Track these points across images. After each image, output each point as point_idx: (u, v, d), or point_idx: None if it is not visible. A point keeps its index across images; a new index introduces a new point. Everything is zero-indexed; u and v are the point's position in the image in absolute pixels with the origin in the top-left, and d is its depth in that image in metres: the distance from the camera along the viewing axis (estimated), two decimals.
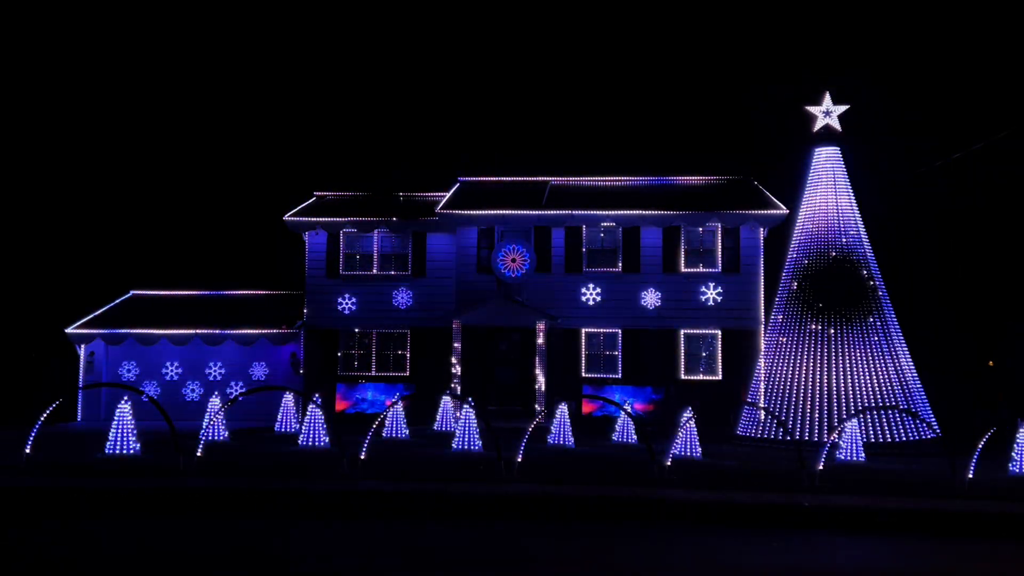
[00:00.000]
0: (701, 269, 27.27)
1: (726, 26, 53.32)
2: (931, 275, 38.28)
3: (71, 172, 46.73)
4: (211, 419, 19.21)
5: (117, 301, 29.94)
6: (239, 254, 42.25)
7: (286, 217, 28.38)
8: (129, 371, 28.77)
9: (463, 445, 18.89)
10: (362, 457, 15.34)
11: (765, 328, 25.26)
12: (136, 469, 15.29)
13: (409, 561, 10.32)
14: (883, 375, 21.86)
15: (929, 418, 22.00)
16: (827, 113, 23.53)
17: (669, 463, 15.61)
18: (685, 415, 18.27)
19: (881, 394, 21.65)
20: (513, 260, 27.19)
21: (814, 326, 22.43)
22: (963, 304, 38.09)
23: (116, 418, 17.46)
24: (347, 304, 28.28)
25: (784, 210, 26.58)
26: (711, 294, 27.03)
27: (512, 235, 27.48)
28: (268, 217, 37.63)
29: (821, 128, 23.58)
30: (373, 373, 28.23)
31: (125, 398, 17.65)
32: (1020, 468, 16.79)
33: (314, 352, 28.25)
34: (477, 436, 18.99)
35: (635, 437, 21.53)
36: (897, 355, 22.29)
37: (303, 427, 20.02)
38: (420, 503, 13.24)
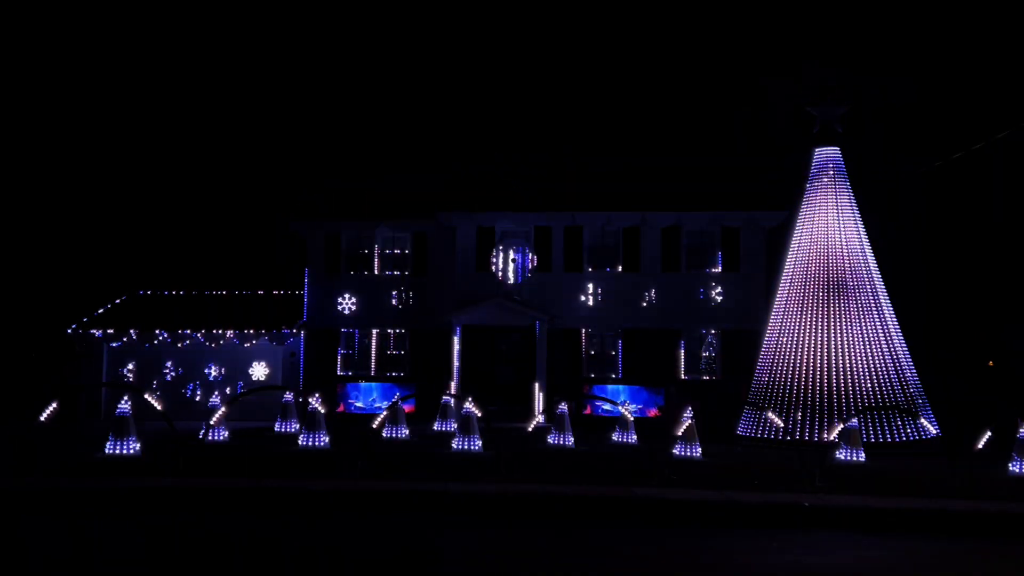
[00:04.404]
0: (701, 269, 27.26)
1: (726, 25, 53.30)
2: (931, 274, 38.26)
3: (72, 173, 46.72)
4: (211, 419, 19.21)
5: (118, 301, 29.94)
6: (239, 254, 42.22)
7: (286, 217, 28.39)
8: (129, 371, 28.77)
9: (463, 445, 18.88)
10: (362, 457, 15.34)
11: (765, 328, 25.25)
12: (136, 469, 15.29)
13: (405, 561, 10.33)
14: (883, 374, 21.86)
15: (929, 417, 22.00)
16: (827, 113, 23.51)
17: (669, 463, 15.61)
18: (685, 415, 18.28)
19: (881, 393, 21.65)
20: (513, 260, 27.19)
21: (813, 326, 22.43)
22: (962, 304, 38.07)
23: (116, 418, 17.46)
24: (347, 304, 28.29)
25: (784, 210, 26.57)
26: (711, 294, 27.02)
27: (512, 235, 27.48)
28: (268, 217, 37.63)
29: (821, 128, 23.58)
30: (373, 373, 28.24)
31: (125, 398, 17.66)
32: (1020, 468, 16.79)
33: (314, 352, 28.25)
34: (477, 436, 18.99)
35: (635, 437, 21.54)
36: (897, 354, 22.29)
37: (303, 427, 20.02)
38: (420, 502, 13.25)
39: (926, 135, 41.09)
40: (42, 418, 15.43)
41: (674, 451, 18.26)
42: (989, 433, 15.43)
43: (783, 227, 26.65)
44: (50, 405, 15.48)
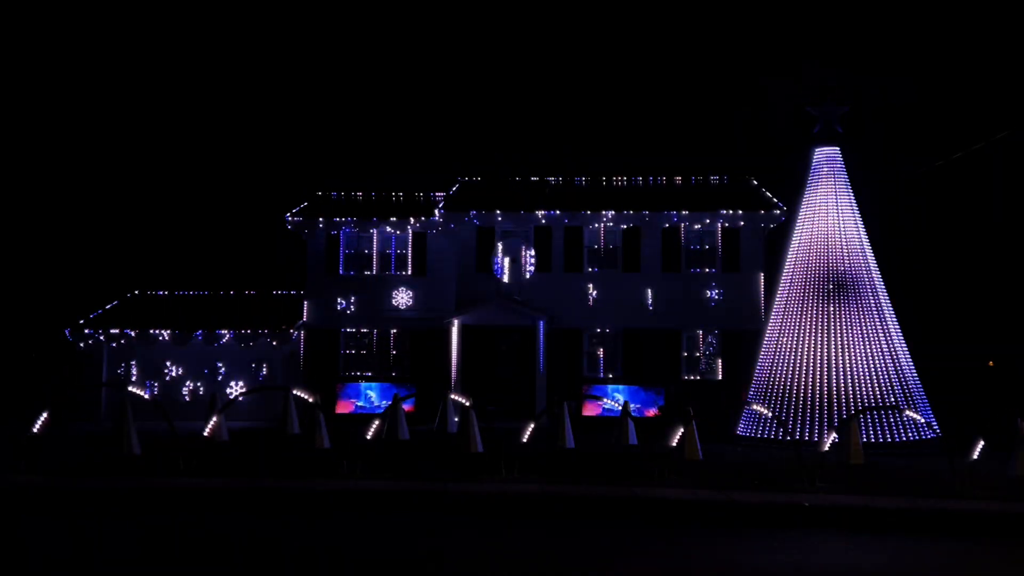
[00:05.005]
0: (701, 269, 27.26)
1: (725, 25, 53.32)
2: (931, 274, 38.27)
3: (72, 173, 46.73)
4: (211, 419, 19.18)
5: (117, 301, 29.94)
6: (239, 254, 42.23)
7: (286, 217, 28.40)
8: (129, 371, 28.76)
9: (463, 445, 18.84)
10: (362, 457, 15.36)
11: (765, 328, 25.28)
12: (136, 469, 15.29)
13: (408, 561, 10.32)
14: (883, 374, 21.86)
15: (928, 417, 21.99)
16: (828, 113, 23.52)
17: (669, 463, 15.62)
18: (685, 415, 18.24)
19: (882, 393, 21.65)
20: (513, 260, 27.19)
21: (813, 326, 22.44)
22: (962, 303, 38.07)
23: (116, 418, 17.45)
24: (347, 304, 28.28)
25: (784, 210, 26.59)
26: (711, 294, 27.01)
27: (512, 235, 27.48)
28: (268, 217, 37.63)
29: (821, 128, 23.59)
30: (373, 373, 28.24)
31: (125, 398, 17.64)
32: (1020, 468, 16.75)
33: (314, 352, 28.24)
34: (477, 436, 18.95)
35: (635, 437, 21.49)
36: (897, 354, 22.29)
37: (302, 427, 19.99)
38: (420, 502, 13.26)
39: (926, 135, 41.08)
40: (35, 429, 15.41)
41: (674, 451, 18.24)
42: (982, 443, 15.39)
43: (783, 227, 26.65)
44: (41, 415, 15.44)
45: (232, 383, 28.60)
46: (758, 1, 53.41)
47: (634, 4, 54.33)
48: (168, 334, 28.05)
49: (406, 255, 28.44)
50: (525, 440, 15.56)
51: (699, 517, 12.86)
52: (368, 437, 15.93)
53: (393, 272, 28.44)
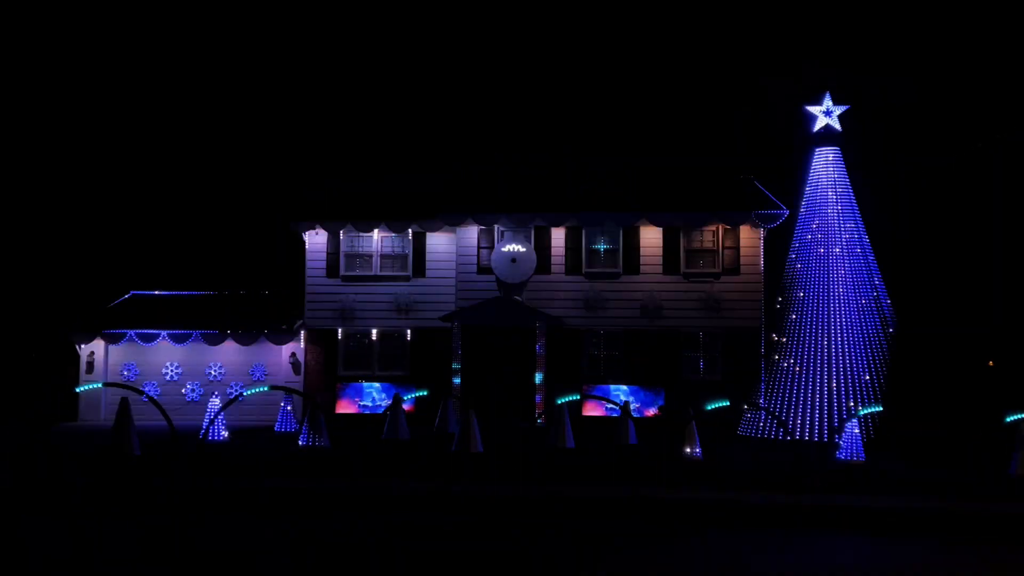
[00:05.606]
0: (701, 269, 27.26)
1: (725, 25, 53.31)
2: (931, 274, 38.23)
3: (70, 173, 46.72)
4: (211, 419, 19.21)
5: (117, 301, 29.94)
6: (239, 254, 42.21)
7: (286, 216, 28.42)
8: (129, 371, 28.76)
9: (463, 445, 18.88)
10: (362, 457, 15.36)
11: (765, 328, 25.27)
12: (136, 469, 15.29)
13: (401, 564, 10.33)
14: (884, 374, 21.87)
15: (929, 418, 22.02)
16: (827, 113, 23.53)
17: (669, 463, 15.62)
18: (685, 415, 18.27)
19: (882, 393, 21.66)
20: (513, 260, 27.19)
21: (814, 325, 22.44)
22: (962, 303, 38.04)
23: (115, 419, 17.45)
24: (347, 304, 28.27)
25: (784, 210, 26.58)
26: (711, 294, 27.00)
27: (512, 234, 27.48)
28: (267, 217, 37.66)
29: (821, 128, 23.60)
30: (373, 373, 28.24)
31: (124, 397, 17.64)
32: (1020, 468, 16.77)
33: (314, 352, 28.25)
34: (477, 436, 18.99)
35: (635, 437, 21.53)
36: (898, 354, 22.31)
37: (303, 427, 20.02)
38: (420, 502, 13.26)
39: (926, 135, 41.04)
40: (34, 429, 15.42)
41: (674, 451, 18.26)
42: (982, 443, 15.41)
43: (783, 227, 26.66)
44: (41, 415, 15.47)
45: (232, 383, 28.60)
46: (758, 1, 53.40)
47: (634, 4, 54.33)
48: (167, 334, 28.04)
49: (406, 255, 28.44)
50: (525, 440, 15.56)
51: (699, 517, 12.86)
52: (368, 437, 15.94)
53: (393, 272, 28.44)
